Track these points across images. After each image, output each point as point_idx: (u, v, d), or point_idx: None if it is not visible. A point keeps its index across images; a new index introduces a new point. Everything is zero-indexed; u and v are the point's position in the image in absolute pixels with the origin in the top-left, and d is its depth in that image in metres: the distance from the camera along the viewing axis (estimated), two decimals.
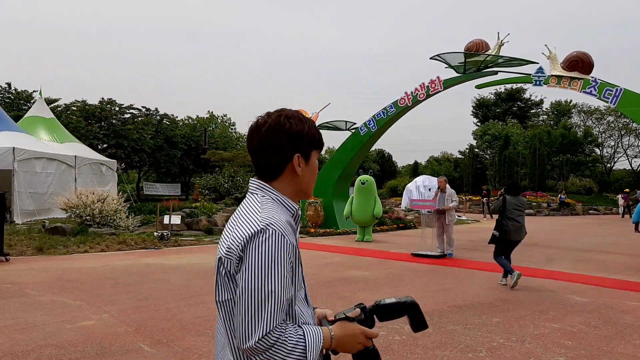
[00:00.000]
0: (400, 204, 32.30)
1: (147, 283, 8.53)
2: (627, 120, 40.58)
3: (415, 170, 54.35)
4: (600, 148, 47.73)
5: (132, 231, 15.57)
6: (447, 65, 16.70)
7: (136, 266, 10.24)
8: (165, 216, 15.45)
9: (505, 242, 8.94)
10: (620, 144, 46.75)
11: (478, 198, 34.50)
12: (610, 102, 13.98)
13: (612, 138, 47.20)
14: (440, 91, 16.97)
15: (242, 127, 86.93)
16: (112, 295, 7.58)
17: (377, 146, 61.93)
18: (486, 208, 30.01)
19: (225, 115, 63.77)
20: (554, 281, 9.40)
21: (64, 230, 14.58)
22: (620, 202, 32.92)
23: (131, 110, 39.24)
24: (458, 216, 26.63)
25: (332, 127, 25.16)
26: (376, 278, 9.43)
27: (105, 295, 7.63)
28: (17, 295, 7.53)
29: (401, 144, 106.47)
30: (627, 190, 34.07)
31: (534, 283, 9.18)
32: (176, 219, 15.43)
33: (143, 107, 40.41)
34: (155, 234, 14.02)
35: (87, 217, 15.76)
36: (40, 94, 27.35)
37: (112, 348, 5.15)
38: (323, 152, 57.45)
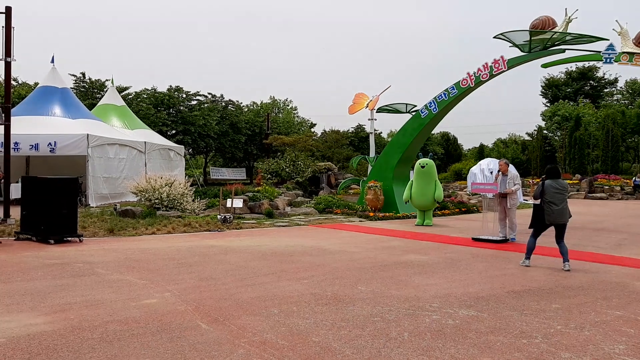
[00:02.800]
0: (464, 187, 31.69)
1: (208, 264, 8.85)
2: None
3: (481, 153, 53.01)
4: None
5: (197, 214, 16.11)
6: (511, 44, 16.16)
7: (199, 247, 10.63)
8: (227, 200, 15.88)
9: (547, 226, 8.88)
10: None
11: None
12: None
13: None
14: (504, 71, 16.46)
15: (304, 112, 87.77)
16: (175, 275, 7.93)
17: (441, 129, 60.97)
18: None
19: (287, 99, 64.40)
20: (621, 267, 9.02)
21: (133, 213, 15.27)
22: None
23: (197, 97, 40.34)
24: (524, 200, 25.86)
25: (392, 109, 24.96)
26: (434, 262, 9.36)
27: (169, 274, 7.98)
28: (88, 274, 8.00)
29: (467, 126, 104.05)
30: None
31: (599, 269, 8.85)
32: (238, 203, 15.84)
33: (209, 93, 41.48)
34: (218, 216, 14.45)
35: (156, 201, 16.43)
36: (112, 82, 28.64)
37: (172, 325, 5.41)
38: (384, 135, 56.76)
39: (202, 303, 6.30)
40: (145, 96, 37.87)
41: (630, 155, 44.18)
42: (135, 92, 38.54)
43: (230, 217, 14.33)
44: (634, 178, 33.75)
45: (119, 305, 6.18)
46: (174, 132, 37.16)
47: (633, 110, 43.06)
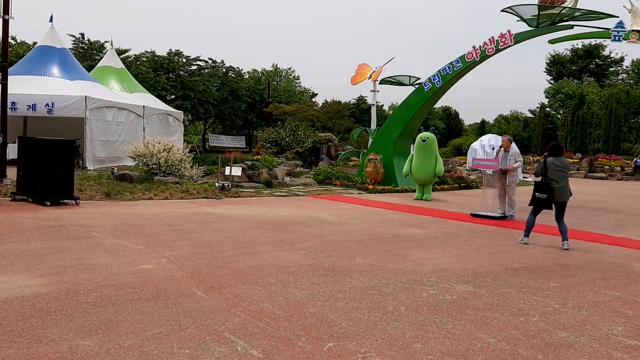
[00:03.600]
0: (464, 162, 31.59)
1: (205, 231, 8.79)
2: None
3: (482, 129, 52.71)
4: None
5: (195, 181, 16.01)
6: (519, 19, 15.85)
7: (196, 214, 10.56)
8: (226, 168, 15.77)
9: (549, 204, 8.71)
10: None
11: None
12: None
13: None
14: (510, 46, 16.19)
15: (307, 82, 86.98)
16: (171, 242, 7.87)
17: (443, 103, 60.52)
18: None
19: (290, 69, 63.71)
20: (620, 248, 8.99)
21: (131, 177, 15.18)
22: None
23: (198, 62, 39.85)
24: (524, 177, 25.80)
25: (395, 82, 24.69)
26: (432, 237, 9.32)
27: (165, 241, 7.92)
28: (84, 237, 7.94)
29: (469, 101, 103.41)
30: None
31: (598, 249, 8.82)
32: (237, 171, 15.73)
33: (210, 59, 40.97)
34: (216, 184, 14.37)
35: (154, 166, 16.31)
36: (111, 44, 28.24)
37: (167, 292, 5.36)
38: (386, 107, 56.32)
39: (198, 270, 6.25)
40: (144, 59, 37.40)
41: (632, 135, 43.97)
42: (135, 55, 38.05)
43: (228, 185, 14.24)
44: (635, 159, 33.64)
45: (114, 270, 6.13)
46: (173, 97, 36.82)
47: (638, 91, 42.69)
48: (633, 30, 13.67)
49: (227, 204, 12.38)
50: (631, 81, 51.03)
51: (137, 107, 22.99)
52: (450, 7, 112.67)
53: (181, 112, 28.92)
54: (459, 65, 17.33)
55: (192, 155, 18.70)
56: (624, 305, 5.63)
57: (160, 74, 36.06)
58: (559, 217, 8.76)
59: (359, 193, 16.38)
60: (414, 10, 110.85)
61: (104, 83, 23.48)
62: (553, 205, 8.73)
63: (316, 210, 12.06)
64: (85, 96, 19.29)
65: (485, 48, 16.58)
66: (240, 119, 42.24)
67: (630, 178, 31.82)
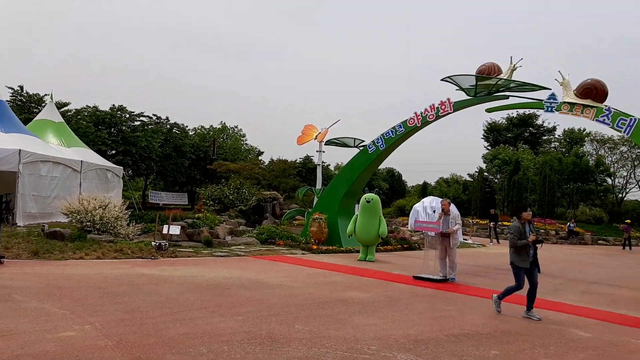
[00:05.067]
0: (407, 223, 31.94)
1: (136, 294, 8.30)
2: None
3: (424, 190, 53.88)
4: (612, 178, 47.07)
5: (131, 239, 15.37)
6: (457, 88, 16.48)
7: (129, 276, 10.02)
8: (164, 226, 15.25)
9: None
10: (633, 175, 46.04)
11: (485, 222, 34.06)
12: (624, 132, 13.68)
13: (624, 168, 46.51)
14: (450, 113, 16.74)
15: (253, 139, 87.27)
16: (98, 306, 7.37)
17: (387, 164, 61.76)
18: (493, 233, 29.58)
19: (237, 127, 63.83)
20: (558, 313, 9.06)
21: (62, 235, 14.41)
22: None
23: (141, 118, 39.30)
24: (464, 239, 26.25)
25: (340, 143, 24.97)
26: (374, 300, 9.14)
27: (92, 305, 7.41)
28: (4, 300, 7.34)
29: (411, 163, 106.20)
30: (628, 221, 33.48)
31: (537, 314, 8.85)
32: (175, 229, 15.22)
33: (154, 115, 40.50)
34: (153, 243, 13.82)
35: (88, 223, 15.61)
36: (51, 97, 27.46)
37: None
38: (332, 167, 56.93)
39: (124, 338, 5.81)
40: (86, 114, 36.53)
41: (565, 201, 45.92)
42: (76, 109, 37.14)
43: (165, 244, 13.74)
44: (568, 223, 34.98)
45: (33, 337, 5.63)
46: (114, 152, 35.92)
47: (569, 158, 44.93)
48: (564, 102, 14.42)
49: (163, 265, 11.85)
50: (563, 149, 53.81)
51: (74, 162, 22.21)
52: (399, 71, 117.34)
53: (121, 167, 28.14)
54: (401, 129, 17.75)
55: (130, 212, 18.05)
56: None
57: (101, 128, 35.26)
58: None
59: (302, 253, 16.13)
60: (363, 73, 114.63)
61: (41, 137, 22.64)
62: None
63: (257, 271, 11.70)
64: (20, 149, 18.48)
65: (427, 114, 17.08)
66: (183, 176, 41.54)
67: (565, 242, 32.96)
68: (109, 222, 15.65)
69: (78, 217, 15.68)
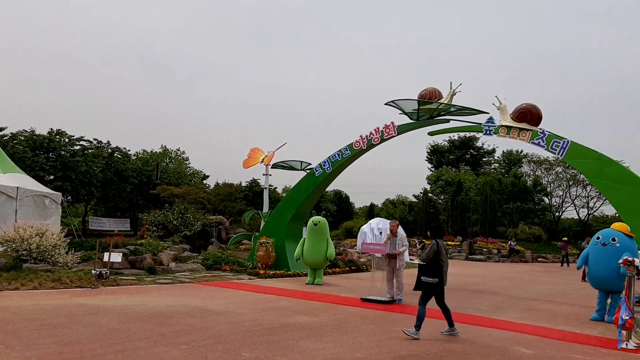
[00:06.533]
0: (355, 245, 32.10)
1: (75, 326, 7.94)
2: (575, 172, 41.86)
3: (371, 212, 54.41)
4: (549, 197, 49.02)
5: (70, 268, 14.76)
6: (401, 112, 16.86)
7: (67, 306, 9.59)
8: (105, 253, 14.75)
9: (441, 288, 8.59)
10: (568, 194, 48.09)
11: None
12: (558, 154, 14.33)
13: (560, 188, 48.54)
14: (394, 136, 17.08)
15: (197, 163, 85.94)
16: (35, 339, 7.00)
17: (334, 186, 62.14)
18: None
19: (179, 149, 62.78)
20: (501, 331, 9.27)
21: None
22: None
23: (81, 142, 38.06)
24: (411, 259, 26.57)
25: (287, 166, 25.03)
26: (322, 325, 9.09)
27: (29, 337, 7.04)
28: None
29: (358, 185, 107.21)
30: (565, 238, 34.98)
31: (481, 332, 9.03)
32: (116, 257, 14.72)
33: (95, 139, 39.36)
34: (93, 271, 13.33)
35: (24, 252, 14.90)
36: None
37: None
38: (279, 190, 56.75)
39: None
40: (22, 138, 35.15)
41: (505, 220, 47.40)
42: (12, 133, 35.70)
43: (106, 272, 13.27)
44: (509, 242, 36.10)
45: None
46: (52, 177, 34.59)
47: (508, 179, 46.57)
48: (502, 126, 14.99)
49: (104, 294, 11.42)
50: (502, 170, 55.74)
51: (10, 189, 21.21)
52: (340, 97, 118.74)
53: (59, 193, 27.04)
54: (347, 152, 17.95)
55: (69, 240, 17.36)
56: None
57: (39, 153, 33.95)
58: (442, 300, 8.68)
59: (249, 278, 15.91)
60: (308, 98, 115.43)
61: None
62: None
63: (202, 298, 11.45)
64: None
65: (372, 137, 17.35)
66: (126, 201, 40.39)
67: (506, 260, 33.96)
68: (47, 250, 15.00)
69: (13, 245, 14.96)
